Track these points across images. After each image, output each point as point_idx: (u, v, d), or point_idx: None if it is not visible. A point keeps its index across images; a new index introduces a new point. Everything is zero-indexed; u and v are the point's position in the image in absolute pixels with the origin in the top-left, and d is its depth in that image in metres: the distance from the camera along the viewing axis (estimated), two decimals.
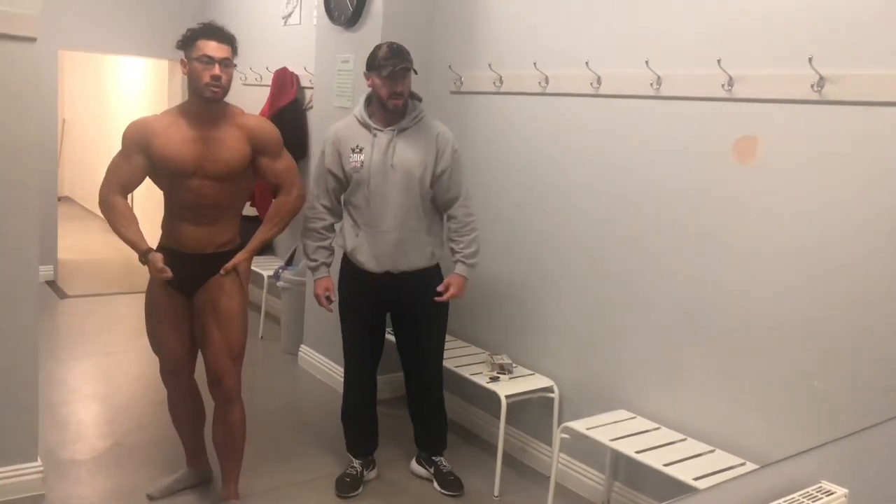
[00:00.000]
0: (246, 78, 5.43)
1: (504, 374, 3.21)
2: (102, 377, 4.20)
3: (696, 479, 2.33)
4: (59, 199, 6.51)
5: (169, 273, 2.58)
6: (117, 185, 2.64)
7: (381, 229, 2.91)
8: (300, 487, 3.09)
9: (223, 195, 2.67)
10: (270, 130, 2.77)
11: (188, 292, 2.73)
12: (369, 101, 2.95)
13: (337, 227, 3.04)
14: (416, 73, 2.90)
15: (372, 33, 3.75)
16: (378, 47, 2.87)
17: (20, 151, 2.66)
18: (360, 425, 3.18)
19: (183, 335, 2.77)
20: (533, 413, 3.29)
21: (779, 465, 1.93)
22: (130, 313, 5.25)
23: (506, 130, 3.42)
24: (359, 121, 2.93)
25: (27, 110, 2.66)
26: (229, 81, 2.60)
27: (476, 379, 3.17)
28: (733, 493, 1.94)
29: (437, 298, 2.97)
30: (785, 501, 1.68)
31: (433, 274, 3.04)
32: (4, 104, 2.61)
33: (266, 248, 2.96)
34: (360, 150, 2.89)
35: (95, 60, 8.30)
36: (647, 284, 2.82)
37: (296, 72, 4.93)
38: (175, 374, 2.83)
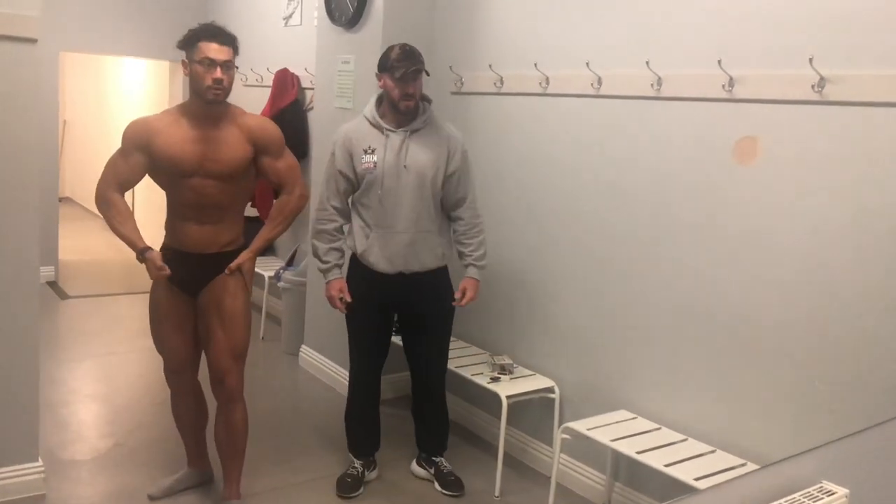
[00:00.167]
0: (247, 79, 5.43)
1: (505, 374, 3.21)
2: (103, 377, 4.20)
3: (697, 479, 2.33)
4: (60, 199, 6.52)
5: (167, 271, 2.58)
6: (115, 183, 2.64)
7: (394, 230, 2.91)
8: (301, 487, 3.09)
9: (225, 194, 2.67)
10: (272, 130, 2.77)
11: (192, 292, 2.73)
12: (380, 101, 2.96)
13: (345, 228, 3.04)
14: (428, 74, 2.91)
15: (373, 34, 3.75)
16: (391, 48, 2.87)
17: (21, 152, 2.67)
18: (363, 426, 3.18)
19: (186, 335, 2.77)
20: (534, 413, 3.29)
21: (779, 466, 1.93)
22: (131, 314, 5.26)
23: (506, 131, 3.43)
24: (370, 122, 2.93)
25: (28, 111, 2.66)
26: (231, 83, 2.60)
27: (477, 379, 3.17)
28: (734, 494, 1.93)
29: (454, 303, 2.99)
30: (786, 501, 1.68)
31: (442, 274, 3.05)
32: (5, 105, 2.61)
33: (267, 249, 2.96)
34: (373, 150, 2.89)
35: (96, 62, 8.31)
36: (647, 285, 2.82)
37: (296, 73, 4.93)
38: (178, 373, 2.83)
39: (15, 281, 2.71)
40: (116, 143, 2.68)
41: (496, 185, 3.44)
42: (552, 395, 3.16)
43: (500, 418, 3.06)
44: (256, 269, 2.89)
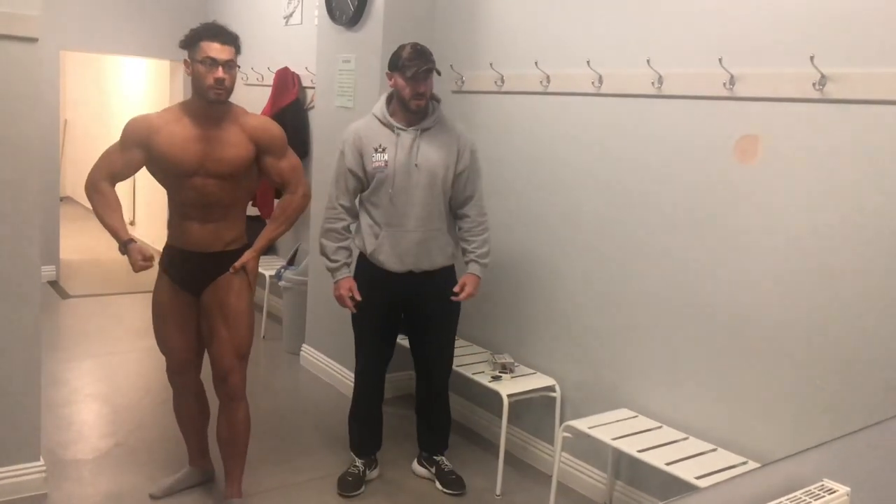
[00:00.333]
0: (247, 78, 5.43)
1: (506, 373, 3.21)
2: (104, 377, 4.20)
3: (698, 477, 2.34)
4: (61, 199, 6.52)
5: (151, 263, 2.57)
6: (108, 173, 2.64)
7: (405, 229, 2.91)
8: (302, 486, 3.09)
9: (226, 193, 2.67)
10: (275, 130, 2.77)
11: (195, 291, 2.73)
12: (389, 100, 2.96)
13: (353, 227, 3.04)
14: (439, 73, 2.91)
15: (373, 33, 3.75)
16: (402, 47, 2.87)
17: (22, 152, 2.67)
18: (366, 425, 3.18)
19: (189, 334, 2.78)
20: (535, 412, 3.29)
21: (780, 464, 1.93)
22: (132, 313, 5.27)
23: (507, 130, 3.43)
24: (380, 120, 2.93)
25: (29, 111, 2.67)
26: (233, 83, 2.60)
27: (478, 378, 3.17)
28: (735, 492, 1.93)
29: (453, 298, 2.98)
30: (787, 500, 1.68)
31: (449, 273, 3.06)
32: (6, 105, 2.62)
33: (269, 248, 2.96)
34: (384, 149, 2.89)
35: (97, 61, 8.31)
36: (648, 284, 2.82)
37: (297, 72, 4.93)
38: (181, 373, 2.83)
39: (16, 280, 2.71)
40: None
41: (497, 184, 3.44)
42: (553, 394, 3.16)
43: (501, 417, 3.06)
44: (258, 269, 2.89)
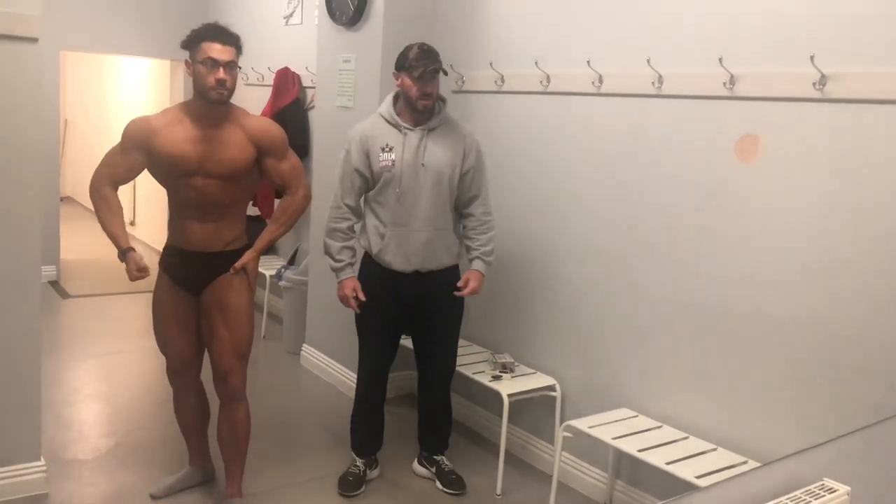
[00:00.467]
0: (248, 78, 5.43)
1: (506, 372, 3.21)
2: (105, 377, 4.20)
3: (699, 477, 2.34)
4: (62, 199, 6.52)
5: (147, 273, 2.57)
6: (110, 178, 2.65)
7: (411, 228, 2.91)
8: (303, 486, 3.09)
9: (227, 194, 2.67)
10: (275, 132, 2.76)
11: (195, 291, 2.73)
12: (396, 100, 2.96)
13: (356, 227, 3.04)
14: (445, 73, 2.92)
15: (373, 33, 3.75)
16: (409, 48, 2.88)
17: (22, 152, 2.67)
18: (369, 425, 3.18)
19: (189, 334, 2.78)
20: (535, 412, 3.29)
21: (781, 463, 1.92)
22: (133, 313, 5.27)
23: (507, 130, 3.43)
24: (387, 120, 2.93)
25: (29, 111, 2.67)
26: (234, 83, 2.60)
27: (478, 378, 3.17)
28: (735, 491, 1.93)
29: (456, 293, 2.98)
30: (787, 499, 1.68)
31: (454, 272, 3.06)
32: (6, 104, 2.61)
33: (269, 248, 2.96)
34: (391, 148, 2.89)
35: (97, 61, 8.31)
36: (648, 283, 2.82)
37: (297, 72, 4.93)
38: (181, 373, 2.83)
39: (16, 280, 2.71)
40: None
41: (497, 184, 3.44)
42: (553, 394, 3.16)
43: (501, 416, 3.06)
44: (258, 269, 2.90)
